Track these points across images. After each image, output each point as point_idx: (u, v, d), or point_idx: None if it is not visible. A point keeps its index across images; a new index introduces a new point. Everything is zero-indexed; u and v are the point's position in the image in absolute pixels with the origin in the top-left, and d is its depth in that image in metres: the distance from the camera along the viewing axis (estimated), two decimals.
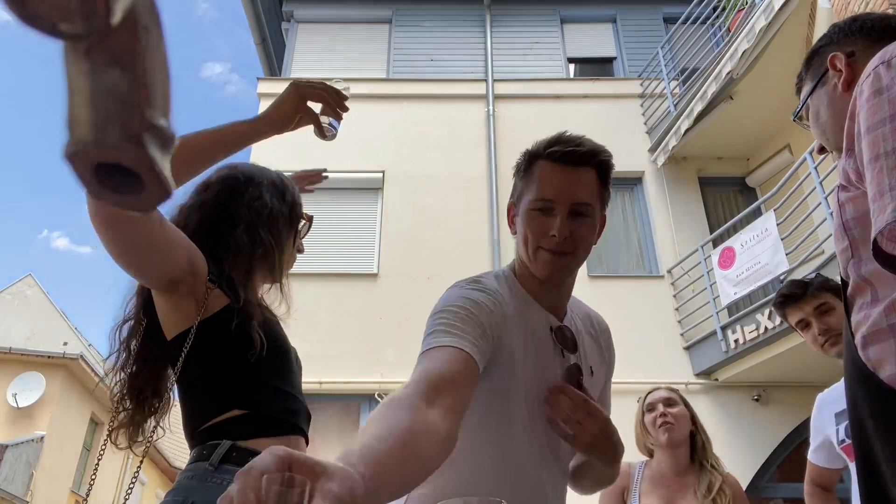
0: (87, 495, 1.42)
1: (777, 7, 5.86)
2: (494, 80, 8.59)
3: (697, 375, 6.43)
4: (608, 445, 1.09)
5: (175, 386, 1.20)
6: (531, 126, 7.50)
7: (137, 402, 1.20)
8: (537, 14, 9.56)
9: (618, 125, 7.98)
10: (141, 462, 1.12)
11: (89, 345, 16.00)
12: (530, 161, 1.14)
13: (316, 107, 1.30)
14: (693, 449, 2.22)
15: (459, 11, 9.57)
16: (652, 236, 7.51)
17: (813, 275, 2.16)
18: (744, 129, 7.33)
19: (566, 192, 1.08)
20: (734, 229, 6.37)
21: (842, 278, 0.98)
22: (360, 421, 6.42)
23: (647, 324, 6.54)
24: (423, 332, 0.99)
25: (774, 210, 5.71)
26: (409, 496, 1.07)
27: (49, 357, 12.81)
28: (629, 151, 7.79)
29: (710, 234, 7.04)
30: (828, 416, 2.03)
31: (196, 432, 1.13)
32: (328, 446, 5.92)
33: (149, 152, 0.33)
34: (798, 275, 4.50)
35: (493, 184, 7.58)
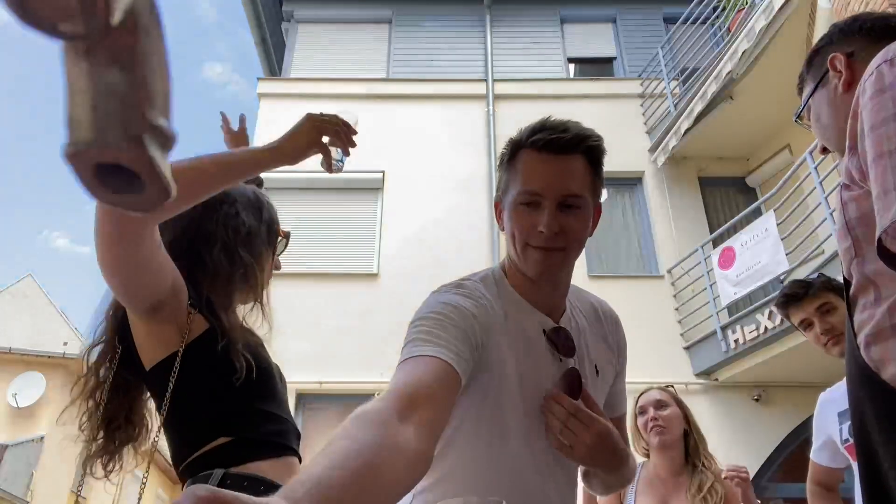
0: (79, 491, 1.39)
1: (777, 7, 5.86)
2: (494, 80, 8.59)
3: (697, 375, 6.44)
4: (604, 455, 1.01)
5: (157, 415, 1.14)
6: None
7: (107, 431, 1.15)
8: (537, 14, 9.56)
9: (618, 125, 7.97)
10: (147, 472, 1.10)
11: None
12: (514, 150, 1.05)
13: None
14: (687, 449, 2.21)
15: (459, 11, 9.57)
16: (652, 236, 7.51)
17: (814, 275, 2.16)
18: (744, 128, 7.33)
19: (553, 183, 0.99)
20: (734, 229, 6.36)
21: (844, 278, 0.97)
22: None
23: (646, 324, 6.53)
24: None
25: (774, 210, 5.71)
26: (414, 494, 1.04)
27: (49, 357, 12.78)
28: (629, 151, 7.79)
29: (710, 234, 7.04)
30: (831, 415, 2.03)
31: (186, 463, 1.09)
32: None
33: (149, 152, 0.33)
34: (798, 275, 4.49)
35: (493, 184, 7.57)
